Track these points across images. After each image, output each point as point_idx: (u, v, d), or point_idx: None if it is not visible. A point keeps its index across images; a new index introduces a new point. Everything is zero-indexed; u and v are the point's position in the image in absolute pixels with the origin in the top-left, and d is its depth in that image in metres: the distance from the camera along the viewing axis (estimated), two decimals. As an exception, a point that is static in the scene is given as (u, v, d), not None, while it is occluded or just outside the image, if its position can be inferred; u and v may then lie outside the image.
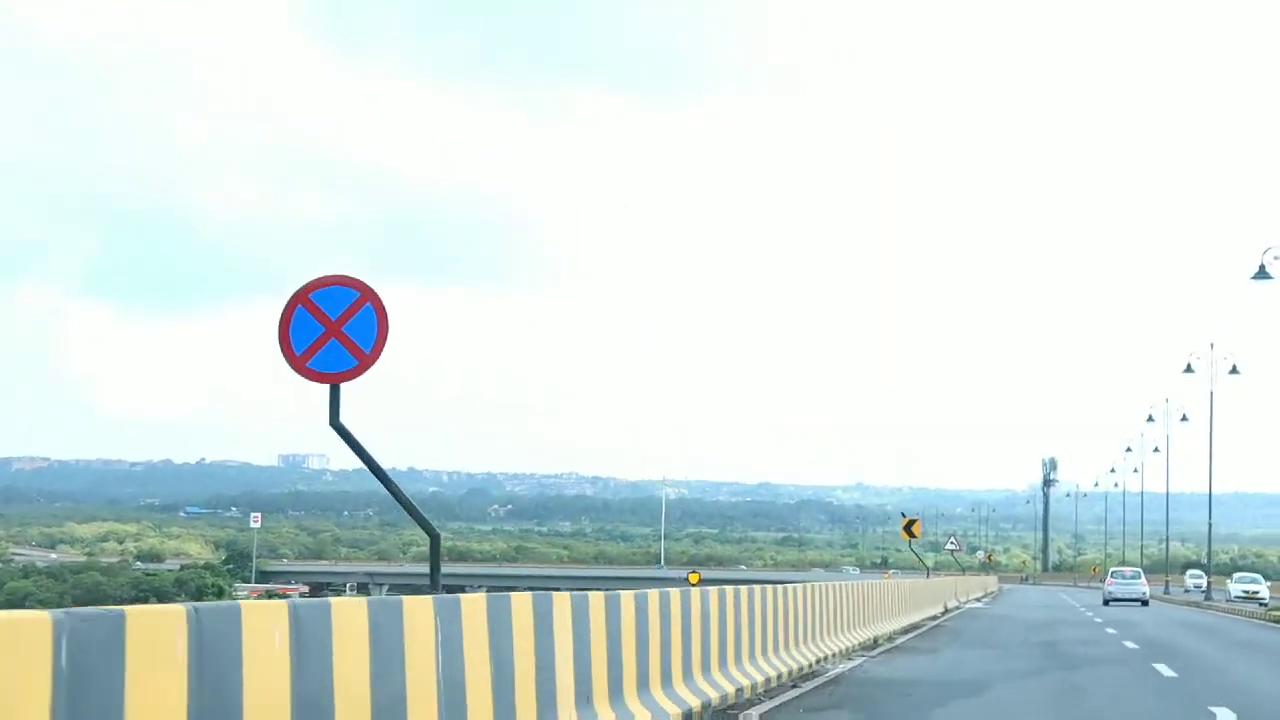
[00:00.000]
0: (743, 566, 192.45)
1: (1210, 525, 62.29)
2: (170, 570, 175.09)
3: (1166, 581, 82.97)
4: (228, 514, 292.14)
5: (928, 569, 48.94)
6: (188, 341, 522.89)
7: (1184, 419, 76.11)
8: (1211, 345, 60.19)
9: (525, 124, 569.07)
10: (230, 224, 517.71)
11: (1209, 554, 62.81)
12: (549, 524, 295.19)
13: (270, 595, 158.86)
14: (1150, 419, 76.53)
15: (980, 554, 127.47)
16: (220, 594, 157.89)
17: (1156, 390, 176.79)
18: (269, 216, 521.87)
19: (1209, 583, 61.48)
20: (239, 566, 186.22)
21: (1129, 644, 29.90)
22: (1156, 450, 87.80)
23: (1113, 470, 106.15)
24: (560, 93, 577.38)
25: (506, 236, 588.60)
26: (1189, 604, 63.25)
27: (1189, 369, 60.15)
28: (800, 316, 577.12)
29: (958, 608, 53.58)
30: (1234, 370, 59.64)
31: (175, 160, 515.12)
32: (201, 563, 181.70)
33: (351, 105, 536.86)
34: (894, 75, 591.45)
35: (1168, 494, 77.13)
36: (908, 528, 46.31)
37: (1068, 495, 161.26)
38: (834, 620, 26.61)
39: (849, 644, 26.40)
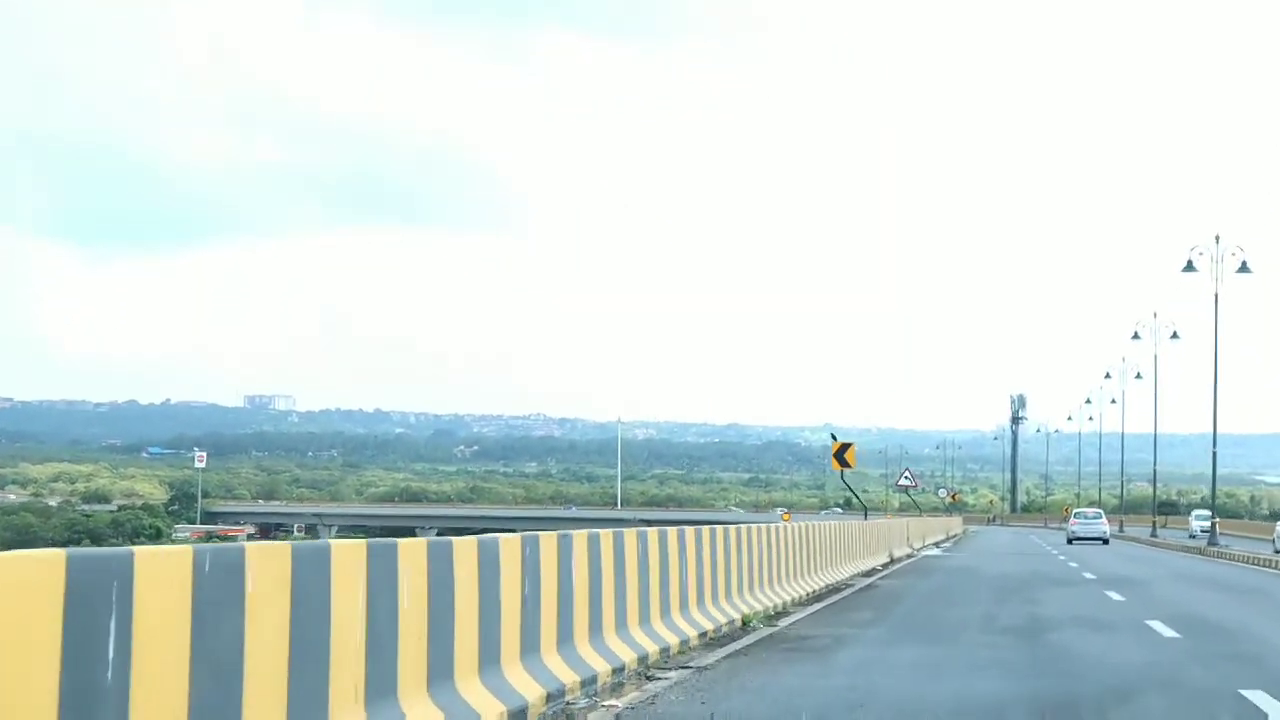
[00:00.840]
0: (735, 508, 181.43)
1: (1215, 455, 50.21)
2: (109, 511, 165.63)
3: (1154, 523, 71.06)
4: (190, 454, 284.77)
5: (865, 508, 36.58)
6: (151, 282, 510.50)
7: (1174, 336, 64.50)
8: (1217, 238, 48.30)
9: (488, 66, 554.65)
10: (192, 167, 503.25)
11: (1213, 494, 50.69)
12: (515, 465, 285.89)
13: (211, 537, 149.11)
14: (1136, 336, 64.76)
15: (943, 493, 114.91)
16: (158, 535, 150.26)
17: (1119, 340, 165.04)
18: (231, 160, 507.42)
19: (1214, 524, 49.55)
20: (184, 507, 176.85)
21: (1160, 628, 17.73)
22: (1139, 377, 76.33)
23: (1089, 401, 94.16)
24: (524, 34, 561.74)
25: (473, 179, 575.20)
26: (1187, 550, 51.39)
27: (1190, 266, 48.15)
28: (771, 258, 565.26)
29: (909, 556, 41.61)
30: (1244, 268, 47.78)
31: (138, 103, 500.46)
32: (139, 504, 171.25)
33: (313, 49, 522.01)
34: (867, 22, 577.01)
35: (1156, 422, 65.68)
36: (839, 454, 34.33)
37: (1038, 431, 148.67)
38: (675, 591, 14.79)
39: (681, 637, 14.49)
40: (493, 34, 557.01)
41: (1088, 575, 31.79)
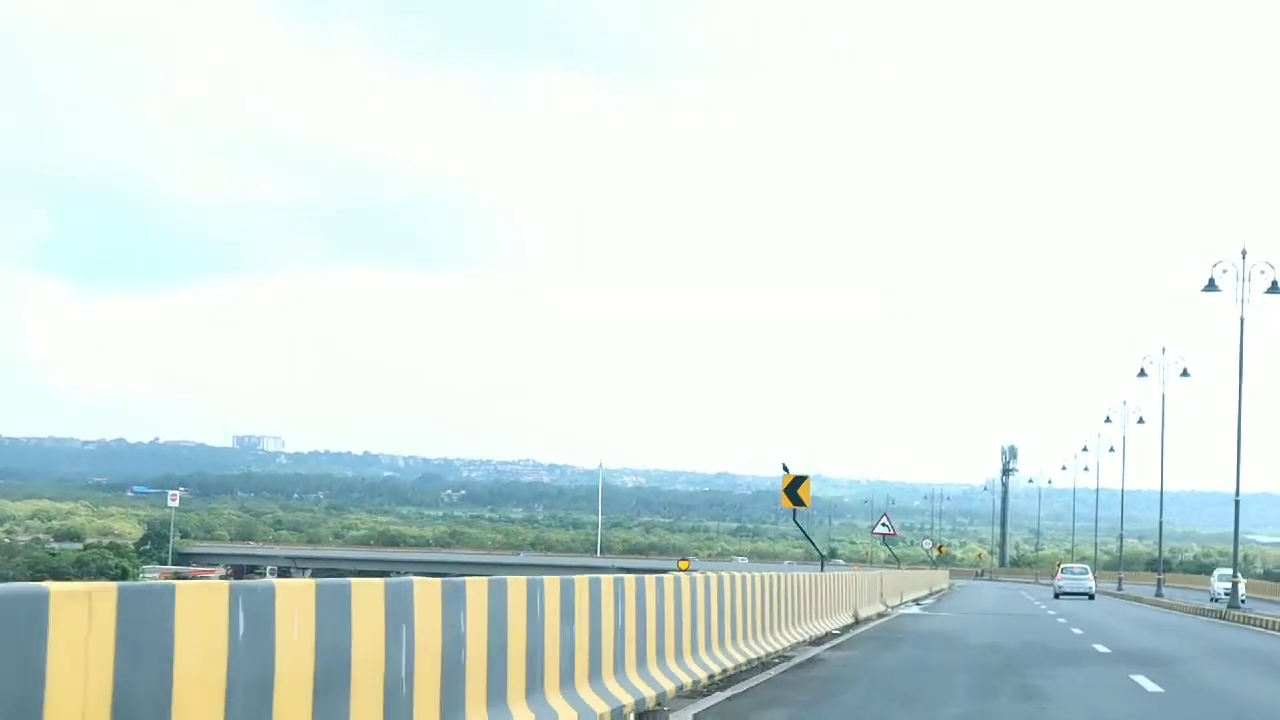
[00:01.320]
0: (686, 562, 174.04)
1: (1238, 504, 42.65)
2: (76, 550, 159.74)
3: (1159, 581, 63.31)
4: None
5: (822, 557, 29.07)
6: (144, 320, 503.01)
7: (1185, 373, 57.32)
8: (1243, 253, 41.00)
9: (488, 108, 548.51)
10: (190, 204, 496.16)
11: (1235, 552, 43.09)
12: (502, 510, 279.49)
13: (178, 578, 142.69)
14: (1142, 373, 57.39)
15: (927, 544, 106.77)
16: (123, 575, 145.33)
17: (1115, 392, 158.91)
18: (229, 197, 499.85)
19: (1236, 585, 42.00)
20: (156, 547, 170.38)
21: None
22: (1142, 421, 69.01)
23: (1085, 449, 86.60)
24: (525, 77, 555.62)
25: (468, 221, 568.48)
26: (1204, 613, 43.99)
27: (1212, 285, 40.90)
28: (764, 306, 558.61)
29: (881, 616, 34.27)
30: (1274, 288, 40.58)
31: (135, 138, 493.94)
32: (106, 543, 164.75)
33: (314, 86, 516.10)
34: (862, 65, 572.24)
35: (1163, 468, 58.32)
36: (791, 489, 27.09)
37: (1030, 481, 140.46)
38: (428, 684, 7.55)
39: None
40: (493, 71, 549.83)
41: (1100, 648, 24.37)
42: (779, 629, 21.32)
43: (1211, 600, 51.06)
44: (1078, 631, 29.93)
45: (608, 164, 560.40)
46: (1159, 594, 58.82)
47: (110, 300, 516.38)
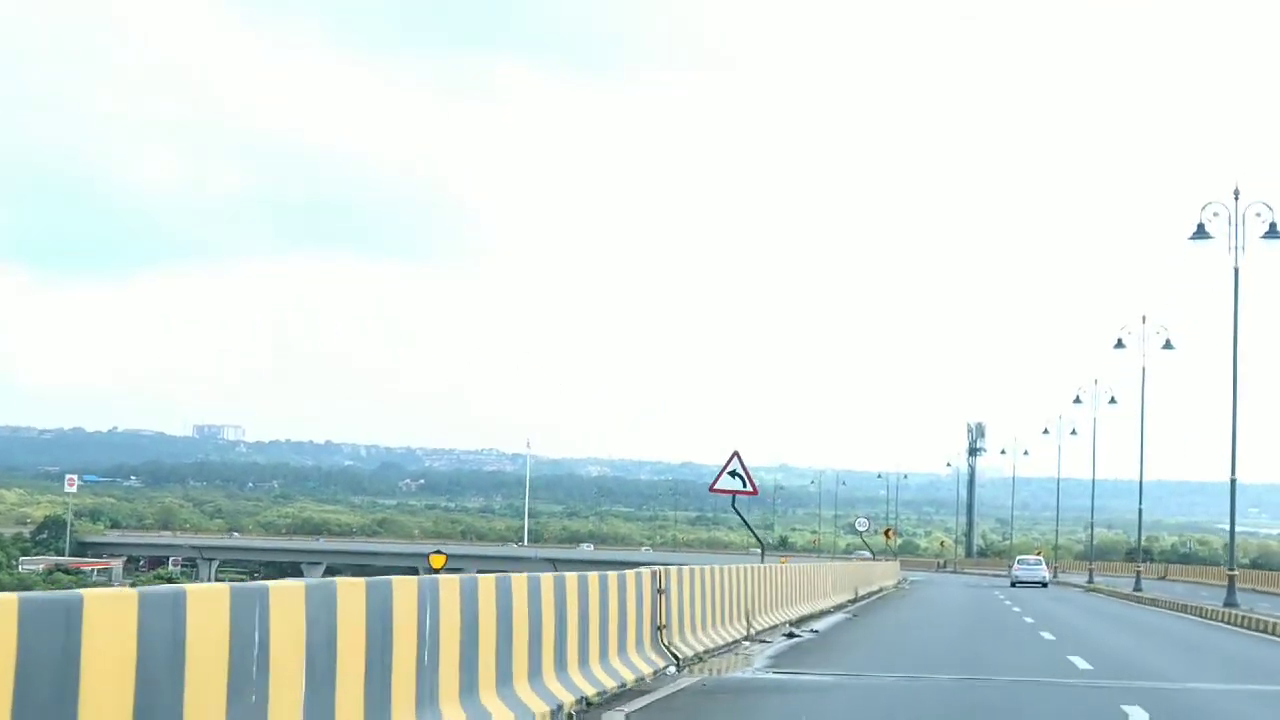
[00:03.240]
0: (646, 548, 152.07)
1: None
2: None
3: (1231, 579, 37.93)
4: (126, 483, 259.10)
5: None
6: (104, 309, 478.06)
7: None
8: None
9: (448, 98, 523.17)
10: (148, 192, 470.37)
11: None
12: (460, 500, 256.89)
13: (55, 570, 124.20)
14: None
15: (862, 523, 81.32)
16: None
17: (1094, 364, 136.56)
18: (186, 186, 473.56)
19: None
20: (55, 536, 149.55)
21: None
22: (1114, 401, 45.95)
23: (1045, 431, 63.89)
24: (484, 67, 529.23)
25: (429, 210, 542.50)
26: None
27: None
28: (727, 296, 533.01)
29: (645, 687, 9.71)
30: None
31: (92, 127, 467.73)
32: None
33: (272, 76, 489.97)
34: (827, 54, 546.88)
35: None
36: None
37: (1003, 452, 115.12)
38: None
39: None
40: (454, 63, 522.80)
41: None
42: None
43: None
44: None
45: (568, 155, 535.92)
46: (1231, 601, 33.44)
47: (69, 289, 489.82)
